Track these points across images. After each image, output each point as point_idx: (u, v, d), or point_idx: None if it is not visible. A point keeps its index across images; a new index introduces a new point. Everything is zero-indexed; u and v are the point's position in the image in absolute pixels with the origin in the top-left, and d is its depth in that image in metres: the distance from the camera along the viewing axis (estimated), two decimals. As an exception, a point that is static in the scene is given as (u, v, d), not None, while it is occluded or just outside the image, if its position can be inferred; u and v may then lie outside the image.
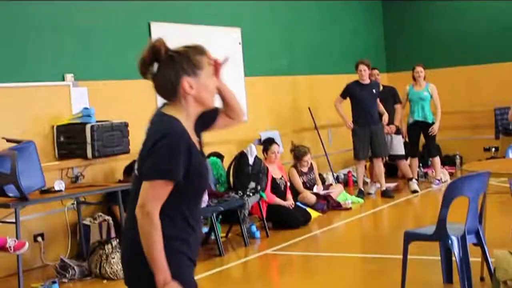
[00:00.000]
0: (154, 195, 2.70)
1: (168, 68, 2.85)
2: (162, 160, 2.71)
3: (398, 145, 11.43)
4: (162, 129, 2.79)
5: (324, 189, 10.13)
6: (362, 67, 10.70)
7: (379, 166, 10.88)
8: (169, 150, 2.72)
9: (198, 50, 2.89)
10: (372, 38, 14.29)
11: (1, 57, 7.54)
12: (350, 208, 9.78)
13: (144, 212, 2.70)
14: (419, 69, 11.21)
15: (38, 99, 7.83)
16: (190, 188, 2.81)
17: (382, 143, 10.82)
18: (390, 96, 11.46)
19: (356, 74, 10.83)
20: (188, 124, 2.85)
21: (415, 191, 10.84)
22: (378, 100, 10.84)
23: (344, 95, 10.82)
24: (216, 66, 3.00)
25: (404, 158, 11.47)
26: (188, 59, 2.85)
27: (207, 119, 3.03)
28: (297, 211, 9.04)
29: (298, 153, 9.98)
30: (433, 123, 11.05)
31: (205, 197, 7.78)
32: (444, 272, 5.82)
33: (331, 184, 10.81)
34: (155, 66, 2.86)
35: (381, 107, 10.91)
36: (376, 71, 11.55)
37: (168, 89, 2.87)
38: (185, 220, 2.84)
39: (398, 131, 11.45)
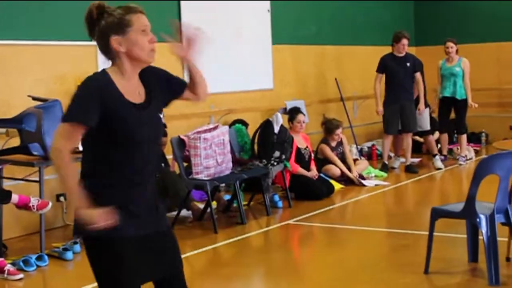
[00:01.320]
0: (61, 135, 2.97)
1: (99, 30, 3.08)
2: (70, 105, 2.99)
3: (424, 120, 11.27)
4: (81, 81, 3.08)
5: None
6: (404, 41, 10.49)
7: (408, 141, 10.75)
8: (77, 97, 2.98)
9: (127, 9, 3.07)
10: (401, 10, 14.08)
11: (29, 15, 7.49)
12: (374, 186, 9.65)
13: (53, 148, 2.99)
14: (450, 44, 11.02)
15: (65, 58, 7.80)
16: (113, 136, 3.00)
17: (412, 118, 10.68)
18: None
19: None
20: (126, 81, 3.06)
21: (439, 168, 10.72)
22: (417, 74, 10.67)
23: (380, 69, 10.66)
24: (189, 42, 3.26)
25: (430, 133, 11.32)
26: (114, 18, 3.05)
27: (176, 88, 3.27)
28: (321, 183, 8.97)
29: (330, 126, 9.86)
30: (463, 99, 10.86)
31: (229, 164, 7.74)
32: (470, 250, 5.74)
33: (356, 159, 10.72)
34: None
35: (421, 84, 10.70)
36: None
37: (103, 49, 3.10)
38: (119, 170, 3.04)
39: (426, 105, 11.25)
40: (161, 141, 3.27)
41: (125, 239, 3.03)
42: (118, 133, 3.01)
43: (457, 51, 11.06)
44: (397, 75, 10.50)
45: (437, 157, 10.98)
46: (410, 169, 10.58)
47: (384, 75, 10.67)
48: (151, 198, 3.16)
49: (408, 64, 10.57)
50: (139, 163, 3.08)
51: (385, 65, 10.60)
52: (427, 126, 11.24)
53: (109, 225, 2.93)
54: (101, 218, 2.92)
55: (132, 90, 3.09)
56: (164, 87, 3.22)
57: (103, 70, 3.08)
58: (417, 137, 11.66)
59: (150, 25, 3.11)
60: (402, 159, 11.09)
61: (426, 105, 11.16)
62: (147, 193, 3.13)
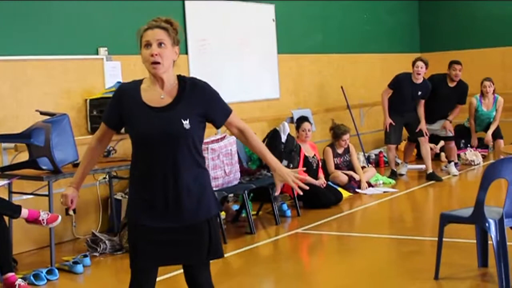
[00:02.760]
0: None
1: None
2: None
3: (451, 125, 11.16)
4: None
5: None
6: (420, 63, 10.38)
7: (426, 148, 10.66)
8: (109, 102, 3.60)
9: (142, 27, 3.53)
10: (407, 17, 14.10)
11: (36, 30, 7.53)
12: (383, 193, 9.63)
13: None
14: (487, 83, 11.10)
15: (72, 72, 7.83)
16: (132, 136, 3.52)
17: (417, 125, 10.62)
18: (455, 94, 10.92)
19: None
20: (151, 88, 3.50)
21: (454, 175, 10.69)
22: (421, 101, 10.64)
23: (392, 86, 10.58)
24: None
25: (453, 139, 11.16)
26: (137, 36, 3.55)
27: (214, 118, 3.59)
28: (329, 191, 8.96)
29: (337, 131, 9.85)
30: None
31: (237, 175, 7.75)
32: (480, 256, 5.73)
33: (364, 166, 10.71)
34: None
35: (421, 108, 10.65)
36: (458, 67, 10.84)
37: None
38: (139, 164, 3.52)
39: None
40: (182, 141, 3.45)
41: (140, 226, 3.50)
42: (133, 131, 3.48)
43: (494, 91, 11.13)
44: (406, 97, 10.48)
45: (453, 163, 10.94)
46: (432, 177, 10.42)
47: (391, 92, 10.64)
48: (173, 193, 3.45)
49: (419, 93, 10.50)
50: (154, 159, 3.44)
51: (399, 85, 10.50)
52: (452, 131, 11.12)
53: (65, 204, 3.69)
54: (63, 197, 3.68)
55: (155, 95, 3.48)
56: (203, 107, 3.51)
57: (137, 80, 3.58)
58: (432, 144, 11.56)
59: (156, 39, 3.44)
60: (410, 166, 11.08)
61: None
62: (167, 188, 3.45)
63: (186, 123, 3.42)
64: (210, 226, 3.56)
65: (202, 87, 3.54)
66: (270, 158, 3.65)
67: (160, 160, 3.44)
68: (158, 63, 3.41)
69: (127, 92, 3.52)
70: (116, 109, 3.53)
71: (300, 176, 3.58)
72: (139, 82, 3.55)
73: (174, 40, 3.50)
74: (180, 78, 3.55)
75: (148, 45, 3.44)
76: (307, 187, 3.62)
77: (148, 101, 3.47)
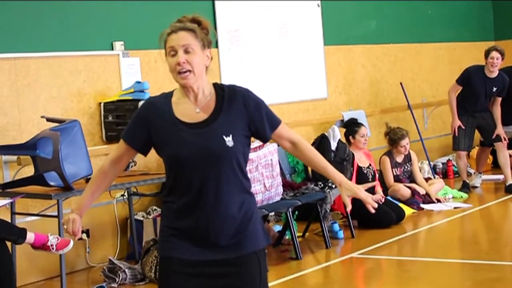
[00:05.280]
0: (116, 147, 3.66)
1: None
2: (129, 122, 3.62)
3: None
4: None
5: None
6: (495, 54, 10.30)
7: (504, 154, 10.59)
8: (132, 117, 3.59)
9: (164, 32, 3.50)
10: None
11: (40, 22, 7.60)
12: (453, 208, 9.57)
13: None
14: None
15: (83, 71, 7.89)
16: (164, 158, 3.51)
17: (493, 128, 10.54)
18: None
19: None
20: (183, 101, 3.50)
21: None
22: (497, 99, 10.57)
23: (461, 81, 10.54)
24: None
25: None
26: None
27: (259, 132, 3.58)
28: (388, 207, 8.91)
29: (393, 136, 9.81)
30: None
31: (279, 189, 7.74)
32: None
33: (429, 178, 10.63)
34: None
35: (498, 108, 10.58)
36: None
37: None
38: (172, 189, 3.51)
39: None
40: (225, 162, 3.45)
41: (176, 259, 3.48)
42: (166, 152, 3.48)
43: None
44: (478, 95, 10.44)
45: None
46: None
47: (460, 88, 10.56)
48: (216, 223, 3.45)
49: (494, 89, 10.44)
50: (192, 184, 3.44)
51: (470, 80, 10.45)
52: None
53: (72, 233, 3.64)
54: (67, 222, 3.64)
55: (189, 109, 3.49)
56: (247, 120, 3.53)
57: (166, 93, 3.58)
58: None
59: (182, 44, 3.43)
60: (485, 176, 10.99)
61: None
62: (209, 218, 3.45)
63: (228, 140, 3.42)
64: (260, 259, 3.57)
65: (244, 95, 3.54)
66: (333, 171, 3.64)
67: (200, 185, 3.43)
68: (188, 71, 3.42)
69: (157, 106, 3.51)
70: (143, 126, 3.51)
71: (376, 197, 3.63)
72: (170, 94, 3.55)
73: (204, 42, 3.49)
74: (217, 87, 3.55)
75: (174, 52, 3.44)
76: (375, 205, 3.61)
77: (182, 116, 3.47)
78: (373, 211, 3.61)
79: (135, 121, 3.55)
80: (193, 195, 3.43)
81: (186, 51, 3.42)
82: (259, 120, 3.54)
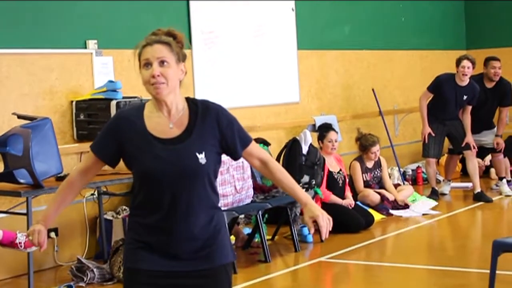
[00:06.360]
0: (83, 158, 3.77)
1: None
2: (99, 134, 3.59)
3: (492, 135, 11.12)
4: None
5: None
6: (466, 63, 10.34)
7: (473, 163, 10.64)
8: (103, 129, 3.55)
9: (139, 43, 3.50)
10: (451, 7, 14.09)
11: (14, 18, 7.55)
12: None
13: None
14: None
15: (55, 69, 7.85)
16: (135, 172, 3.47)
17: (464, 135, 10.60)
18: (496, 95, 10.98)
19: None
20: (156, 115, 3.48)
21: (507, 195, 10.64)
22: (467, 107, 10.63)
23: (433, 89, 10.58)
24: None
25: (500, 152, 11.12)
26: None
27: (230, 150, 3.56)
28: (357, 212, 8.94)
29: (365, 142, 9.84)
30: None
31: (250, 192, 7.74)
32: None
33: (398, 184, 10.68)
34: None
35: (468, 116, 10.65)
36: (497, 64, 10.93)
37: None
38: (142, 203, 3.48)
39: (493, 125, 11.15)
40: (197, 179, 3.44)
41: (143, 272, 3.46)
42: (137, 167, 3.45)
43: None
44: (449, 103, 10.49)
45: (505, 180, 10.90)
46: (480, 198, 10.36)
47: (431, 95, 10.62)
48: (185, 237, 3.45)
49: (465, 98, 10.49)
50: (163, 200, 3.42)
51: (441, 88, 10.49)
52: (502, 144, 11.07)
53: (37, 244, 3.57)
54: (32, 234, 3.57)
55: (162, 124, 3.47)
56: (219, 137, 3.51)
57: (137, 104, 3.68)
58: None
59: (157, 57, 3.41)
60: (453, 184, 11.06)
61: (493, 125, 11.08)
62: (178, 233, 3.45)
63: (201, 158, 3.42)
64: (228, 272, 3.58)
65: (217, 112, 3.52)
66: (301, 192, 3.66)
67: (171, 201, 3.42)
68: (161, 83, 3.40)
69: (128, 120, 3.48)
70: (113, 139, 3.47)
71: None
72: (141, 107, 3.53)
73: (179, 56, 3.48)
74: (190, 102, 3.54)
75: (148, 64, 3.42)
76: (327, 235, 3.62)
77: (155, 131, 3.45)
78: (323, 238, 3.68)
79: (105, 133, 3.51)
80: (164, 211, 3.42)
81: (161, 64, 3.41)
82: (231, 138, 3.52)
